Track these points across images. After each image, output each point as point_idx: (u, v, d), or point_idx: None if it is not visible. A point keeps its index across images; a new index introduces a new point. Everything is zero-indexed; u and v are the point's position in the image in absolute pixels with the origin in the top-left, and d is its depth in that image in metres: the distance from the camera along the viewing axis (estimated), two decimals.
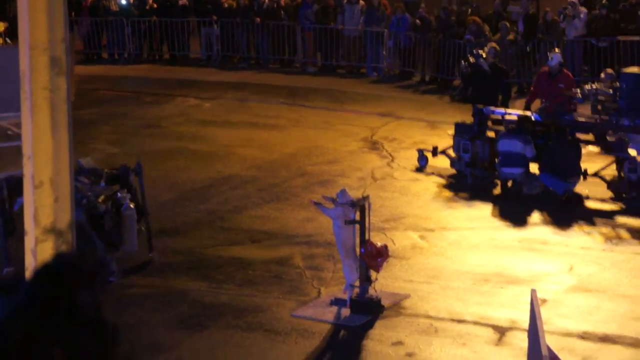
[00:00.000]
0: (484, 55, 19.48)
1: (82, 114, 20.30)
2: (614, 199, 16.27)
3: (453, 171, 17.68)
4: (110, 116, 22.07)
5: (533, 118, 17.23)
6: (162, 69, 27.67)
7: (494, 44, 20.47)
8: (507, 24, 24.93)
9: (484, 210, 15.80)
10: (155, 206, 15.01)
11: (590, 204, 16.16)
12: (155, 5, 28.95)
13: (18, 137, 9.05)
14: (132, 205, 13.29)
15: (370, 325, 11.67)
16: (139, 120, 21.79)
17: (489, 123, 17.93)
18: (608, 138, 17.47)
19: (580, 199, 16.30)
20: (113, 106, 23.09)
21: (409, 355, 10.96)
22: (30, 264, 7.54)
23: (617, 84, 17.51)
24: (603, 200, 16.27)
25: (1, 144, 15.58)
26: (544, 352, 8.10)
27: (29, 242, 7.66)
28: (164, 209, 15.62)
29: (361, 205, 12.05)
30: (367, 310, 11.92)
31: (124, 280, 12.81)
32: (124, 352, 2.04)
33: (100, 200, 13.12)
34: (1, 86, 15.24)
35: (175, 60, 28.69)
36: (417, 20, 25.83)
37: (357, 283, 12.04)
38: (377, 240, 12.61)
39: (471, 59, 19.87)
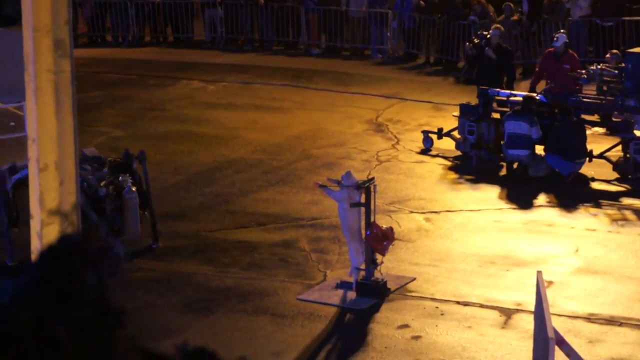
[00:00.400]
0: (488, 36, 19.42)
1: (86, 97, 20.29)
2: (619, 181, 16.23)
3: (458, 153, 17.64)
4: (114, 99, 22.04)
5: (538, 99, 17.17)
6: (166, 51, 27.61)
7: (497, 25, 20.40)
8: (512, 5, 24.83)
9: (489, 193, 15.76)
10: (160, 190, 15.00)
11: (596, 186, 16.13)
12: None
13: (21, 128, 9.05)
14: (133, 189, 13.23)
15: (376, 308, 11.67)
16: (143, 103, 21.75)
17: (494, 104, 17.87)
18: (614, 119, 17.42)
19: (586, 180, 16.26)
20: (117, 89, 23.06)
21: (415, 338, 10.96)
22: (36, 247, 7.53)
23: (623, 64, 17.44)
24: (609, 181, 16.23)
25: (4, 135, 15.58)
26: (550, 334, 8.09)
27: (34, 225, 7.64)
28: (169, 192, 15.61)
29: (366, 187, 12.02)
30: (373, 293, 11.91)
31: (130, 264, 12.80)
32: (129, 335, 2.02)
33: (101, 184, 13.09)
34: (5, 69, 15.22)
35: (179, 42, 28.62)
36: (421, 2, 25.75)
37: (362, 266, 12.03)
38: (383, 222, 12.61)
39: (476, 40, 19.80)
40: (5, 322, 1.93)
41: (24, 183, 8.33)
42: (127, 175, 13.35)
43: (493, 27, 20.10)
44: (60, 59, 7.43)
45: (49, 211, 7.47)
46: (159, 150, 17.52)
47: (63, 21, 7.39)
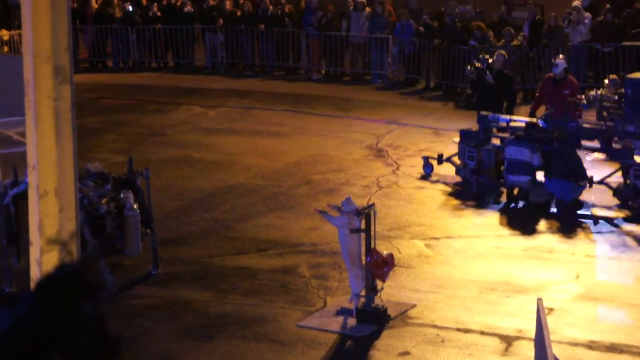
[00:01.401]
0: (490, 61, 19.45)
1: (86, 122, 20.31)
2: (620, 207, 16.19)
3: (458, 179, 17.63)
4: (115, 124, 22.06)
5: (540, 125, 17.16)
6: (167, 76, 27.67)
7: (502, 51, 20.43)
8: (512, 30, 24.90)
9: (489, 219, 15.74)
10: (160, 215, 14.97)
11: (596, 212, 16.10)
12: (159, 14, 28.95)
13: (23, 143, 9.04)
14: (135, 206, 13.15)
15: (376, 335, 11.61)
16: (144, 128, 21.77)
17: (495, 130, 17.88)
18: (614, 145, 17.42)
19: (586, 206, 16.23)
20: (118, 114, 23.08)
21: None
22: (36, 274, 7.51)
23: (622, 89, 17.46)
24: (609, 207, 16.20)
25: (6, 150, 15.56)
26: None
27: (34, 252, 7.63)
28: (168, 218, 15.59)
29: (366, 213, 12.00)
30: (373, 320, 11.86)
31: (129, 291, 12.76)
32: None
33: (103, 202, 13.02)
34: (7, 94, 15.24)
35: (179, 67, 28.70)
36: (421, 27, 25.81)
37: (363, 292, 11.99)
38: (383, 249, 12.57)
39: (477, 64, 19.81)
40: (3, 348, 1.92)
41: (24, 197, 8.31)
42: (129, 191, 13.25)
43: (497, 52, 20.14)
44: (60, 85, 7.44)
45: (48, 238, 7.46)
46: (159, 175, 17.49)
47: (63, 47, 7.40)
